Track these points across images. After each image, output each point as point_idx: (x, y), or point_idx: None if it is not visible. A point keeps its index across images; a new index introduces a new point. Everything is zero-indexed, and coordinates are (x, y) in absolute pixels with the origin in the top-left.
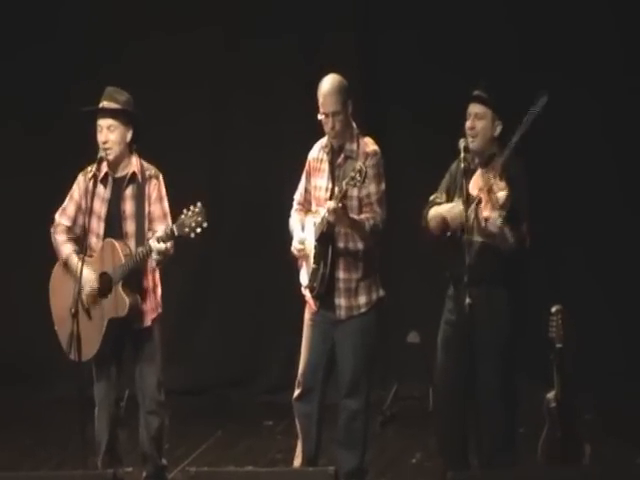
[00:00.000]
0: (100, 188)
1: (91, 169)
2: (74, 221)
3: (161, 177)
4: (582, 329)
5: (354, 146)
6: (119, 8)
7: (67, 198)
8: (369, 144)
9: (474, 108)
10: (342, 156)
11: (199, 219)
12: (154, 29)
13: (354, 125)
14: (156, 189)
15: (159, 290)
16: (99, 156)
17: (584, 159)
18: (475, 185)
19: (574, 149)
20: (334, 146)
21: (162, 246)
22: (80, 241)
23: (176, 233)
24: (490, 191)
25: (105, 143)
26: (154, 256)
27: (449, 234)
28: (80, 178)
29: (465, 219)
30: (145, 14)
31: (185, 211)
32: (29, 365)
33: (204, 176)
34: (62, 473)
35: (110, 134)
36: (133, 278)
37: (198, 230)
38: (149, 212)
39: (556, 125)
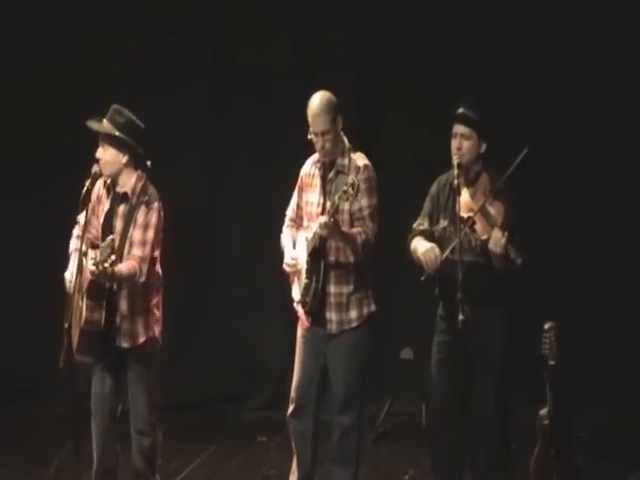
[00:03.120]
0: (104, 198)
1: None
2: (89, 222)
3: (156, 205)
4: (576, 345)
5: (345, 161)
6: (114, 16)
7: None
8: (360, 159)
9: (459, 129)
10: (334, 171)
11: (109, 250)
12: (150, 31)
13: (345, 140)
14: (144, 215)
15: (155, 315)
16: (93, 171)
17: (577, 165)
18: (464, 207)
19: (567, 154)
20: (325, 162)
21: (92, 268)
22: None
23: (98, 259)
24: (483, 212)
25: (99, 161)
26: (88, 275)
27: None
28: (99, 184)
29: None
30: (138, 20)
31: (106, 239)
32: (26, 379)
33: (200, 185)
34: None
35: (103, 153)
36: (100, 294)
37: (112, 257)
38: (130, 235)
39: (549, 126)
